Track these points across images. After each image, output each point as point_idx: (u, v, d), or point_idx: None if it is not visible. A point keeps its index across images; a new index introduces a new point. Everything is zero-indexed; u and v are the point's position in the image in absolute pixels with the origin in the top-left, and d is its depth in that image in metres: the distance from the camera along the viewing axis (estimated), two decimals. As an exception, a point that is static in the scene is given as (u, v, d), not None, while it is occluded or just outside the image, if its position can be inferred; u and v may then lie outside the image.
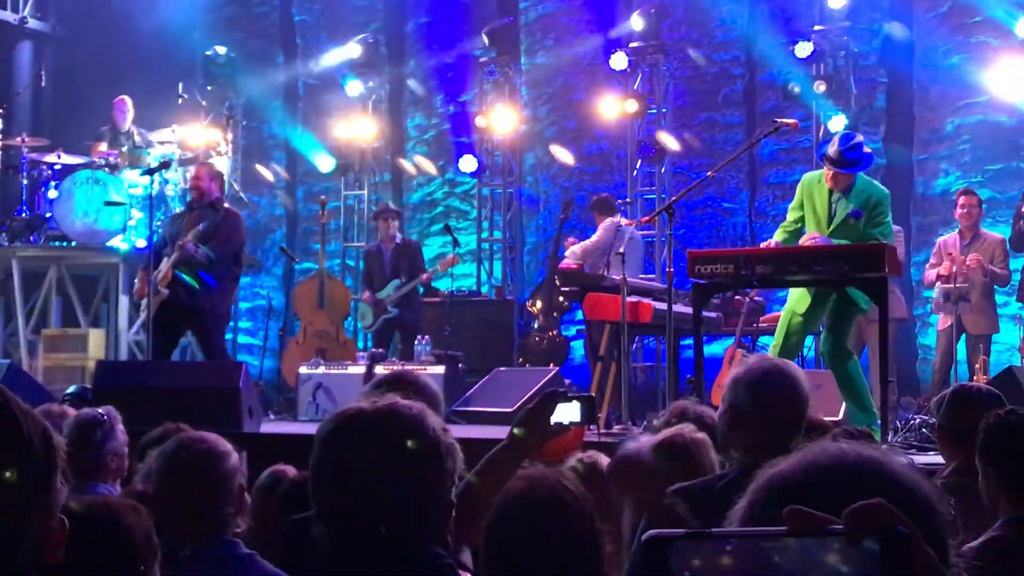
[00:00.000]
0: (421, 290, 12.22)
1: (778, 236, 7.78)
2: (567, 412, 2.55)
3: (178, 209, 9.84)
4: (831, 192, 7.56)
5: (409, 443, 2.05)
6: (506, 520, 2.36)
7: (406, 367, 10.17)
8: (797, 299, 7.66)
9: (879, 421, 7.12)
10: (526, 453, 2.55)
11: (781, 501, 1.32)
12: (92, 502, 2.69)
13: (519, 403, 9.01)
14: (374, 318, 11.98)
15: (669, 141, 13.39)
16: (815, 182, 7.72)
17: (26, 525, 1.53)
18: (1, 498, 1.50)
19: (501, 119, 14.16)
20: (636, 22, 13.46)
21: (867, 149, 7.82)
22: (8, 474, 1.51)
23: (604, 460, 3.62)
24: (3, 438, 1.52)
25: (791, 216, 7.81)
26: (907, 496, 1.33)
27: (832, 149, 7.56)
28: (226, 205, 9.89)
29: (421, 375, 4.06)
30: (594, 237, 10.66)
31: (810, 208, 7.66)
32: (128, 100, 12.54)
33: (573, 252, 10.51)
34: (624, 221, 10.84)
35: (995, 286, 10.41)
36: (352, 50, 14.51)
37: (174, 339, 9.77)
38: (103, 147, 12.19)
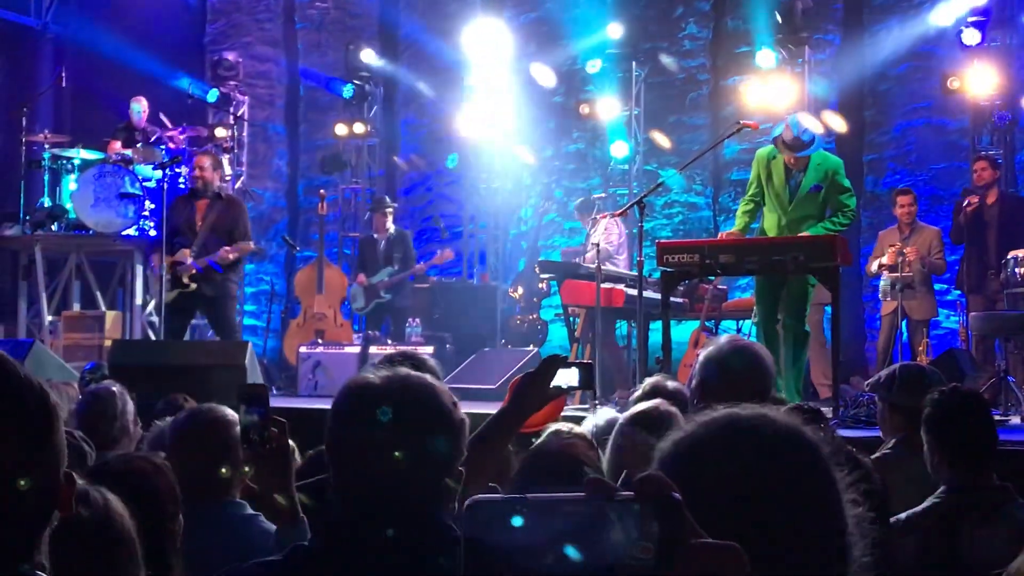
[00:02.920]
0: (412, 278, 12.22)
1: (739, 220, 7.81)
2: (567, 377, 2.51)
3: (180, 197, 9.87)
4: (787, 169, 7.61)
5: (426, 416, 1.97)
6: (534, 469, 2.57)
7: (399, 347, 10.17)
8: (759, 282, 7.74)
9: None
10: (526, 414, 2.51)
11: (690, 463, 1.35)
12: (122, 463, 2.68)
13: (502, 380, 9.02)
14: (366, 302, 11.97)
15: (662, 139, 13.43)
16: (770, 158, 7.75)
17: (22, 479, 1.53)
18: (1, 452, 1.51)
19: (488, 119, 14.14)
20: (613, 31, 13.44)
21: (817, 131, 7.93)
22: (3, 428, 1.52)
23: (579, 430, 3.59)
24: (2, 398, 1.53)
25: (750, 191, 7.86)
26: (799, 449, 1.35)
27: (787, 137, 7.60)
28: (229, 194, 9.92)
29: (426, 356, 4.02)
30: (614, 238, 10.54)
31: (768, 183, 7.70)
32: (143, 100, 12.48)
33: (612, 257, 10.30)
34: (599, 215, 10.86)
35: (932, 275, 10.45)
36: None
37: (187, 322, 9.89)
38: (119, 143, 12.14)
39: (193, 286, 9.26)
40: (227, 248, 9.33)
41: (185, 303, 9.41)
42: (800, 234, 7.50)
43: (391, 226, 12.20)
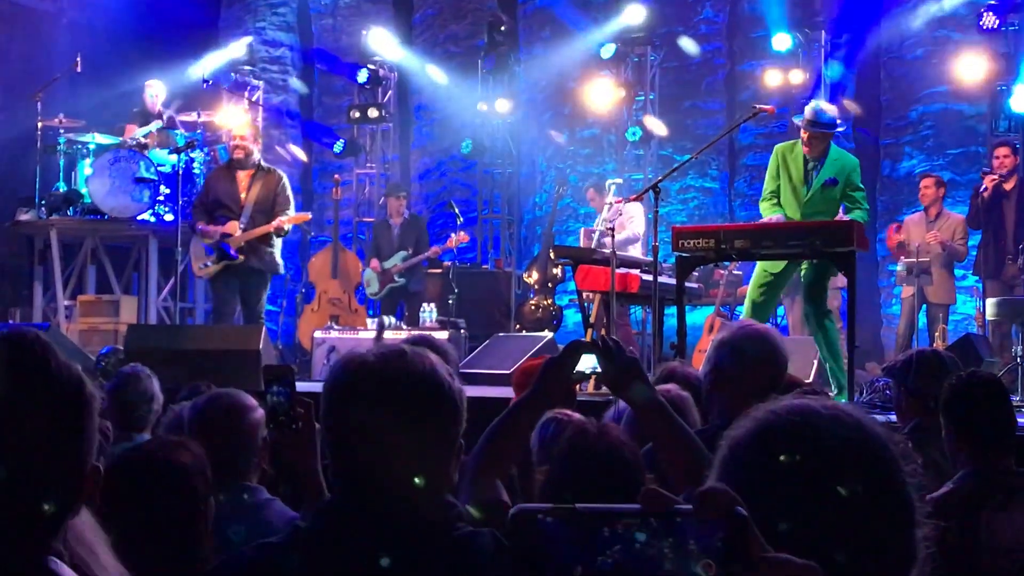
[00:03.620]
0: (426, 262, 12.22)
1: (768, 212, 7.77)
2: (588, 361, 2.48)
3: (217, 167, 9.45)
4: (806, 161, 7.59)
5: (422, 391, 1.92)
6: (577, 455, 2.62)
7: (413, 332, 10.17)
8: (769, 264, 7.66)
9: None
10: (550, 400, 2.49)
11: (740, 467, 1.33)
12: (156, 445, 2.70)
13: (516, 365, 9.00)
14: (380, 286, 11.97)
15: (656, 126, 13.35)
16: (788, 151, 7.74)
17: (53, 467, 1.52)
18: (29, 440, 1.50)
19: (501, 105, 14.12)
20: (628, 15, 13.38)
21: (836, 118, 7.93)
22: (35, 416, 1.51)
23: (577, 417, 3.53)
24: (36, 385, 1.53)
25: (769, 186, 7.82)
26: (843, 444, 1.34)
27: (808, 112, 7.64)
28: (269, 165, 9.79)
29: (442, 341, 4.01)
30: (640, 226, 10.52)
31: (785, 176, 7.69)
32: (158, 84, 12.49)
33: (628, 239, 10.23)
34: (614, 199, 10.80)
35: (954, 261, 10.43)
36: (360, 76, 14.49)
37: (237, 297, 9.39)
38: (134, 128, 12.14)
39: (241, 258, 9.05)
40: (282, 219, 9.12)
41: (231, 278, 9.16)
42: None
43: (405, 211, 12.20)
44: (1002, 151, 10.32)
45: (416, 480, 1.90)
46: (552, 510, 1.02)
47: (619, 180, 11.08)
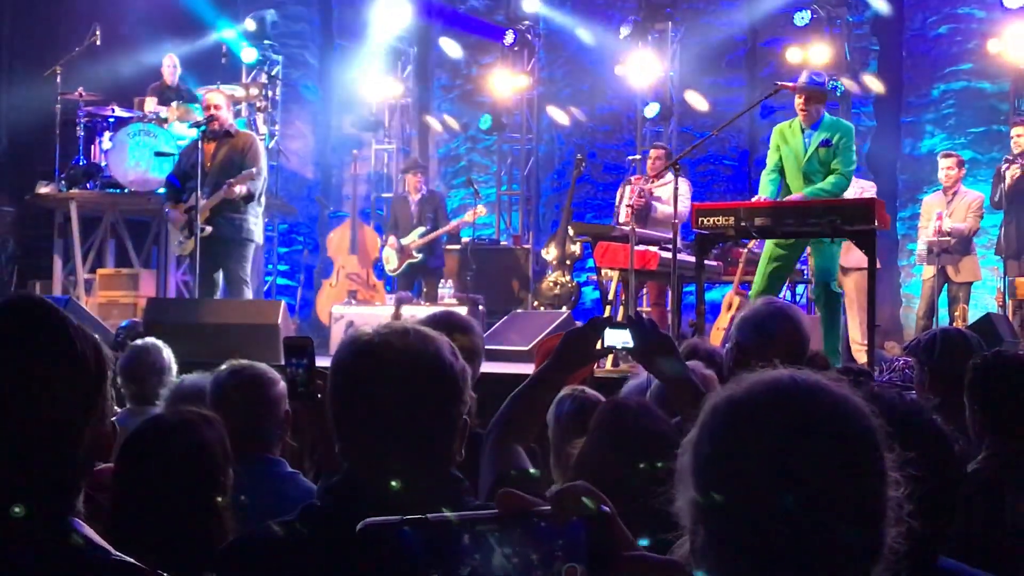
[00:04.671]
0: (444, 238, 12.20)
1: (764, 188, 7.80)
2: (618, 337, 2.42)
3: (193, 138, 9.09)
4: (803, 131, 7.69)
5: (424, 369, 1.93)
6: (615, 427, 2.56)
7: (431, 306, 10.17)
8: (774, 245, 7.66)
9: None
10: (571, 371, 2.48)
11: (740, 423, 1.31)
12: (175, 416, 2.71)
13: (534, 342, 9.00)
14: (399, 263, 11.97)
15: (698, 101, 13.31)
16: (787, 127, 7.89)
17: (84, 427, 1.60)
18: (62, 402, 1.57)
19: (520, 81, 14.07)
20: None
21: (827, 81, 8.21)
22: (57, 379, 1.58)
23: (592, 393, 3.51)
24: (59, 351, 1.60)
25: (771, 160, 7.94)
26: (850, 421, 1.32)
27: (800, 77, 7.89)
28: (240, 130, 9.60)
29: (466, 316, 3.99)
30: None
31: (785, 148, 7.83)
32: (176, 58, 12.48)
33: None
34: (633, 177, 10.76)
35: (974, 238, 10.37)
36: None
37: (215, 271, 9.10)
38: (153, 101, 12.13)
39: (208, 229, 8.75)
40: (231, 181, 8.72)
41: (207, 249, 8.79)
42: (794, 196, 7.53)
43: (423, 187, 12.18)
44: (1016, 131, 10.25)
45: (418, 454, 1.91)
46: (405, 521, 0.97)
47: (637, 157, 11.01)
